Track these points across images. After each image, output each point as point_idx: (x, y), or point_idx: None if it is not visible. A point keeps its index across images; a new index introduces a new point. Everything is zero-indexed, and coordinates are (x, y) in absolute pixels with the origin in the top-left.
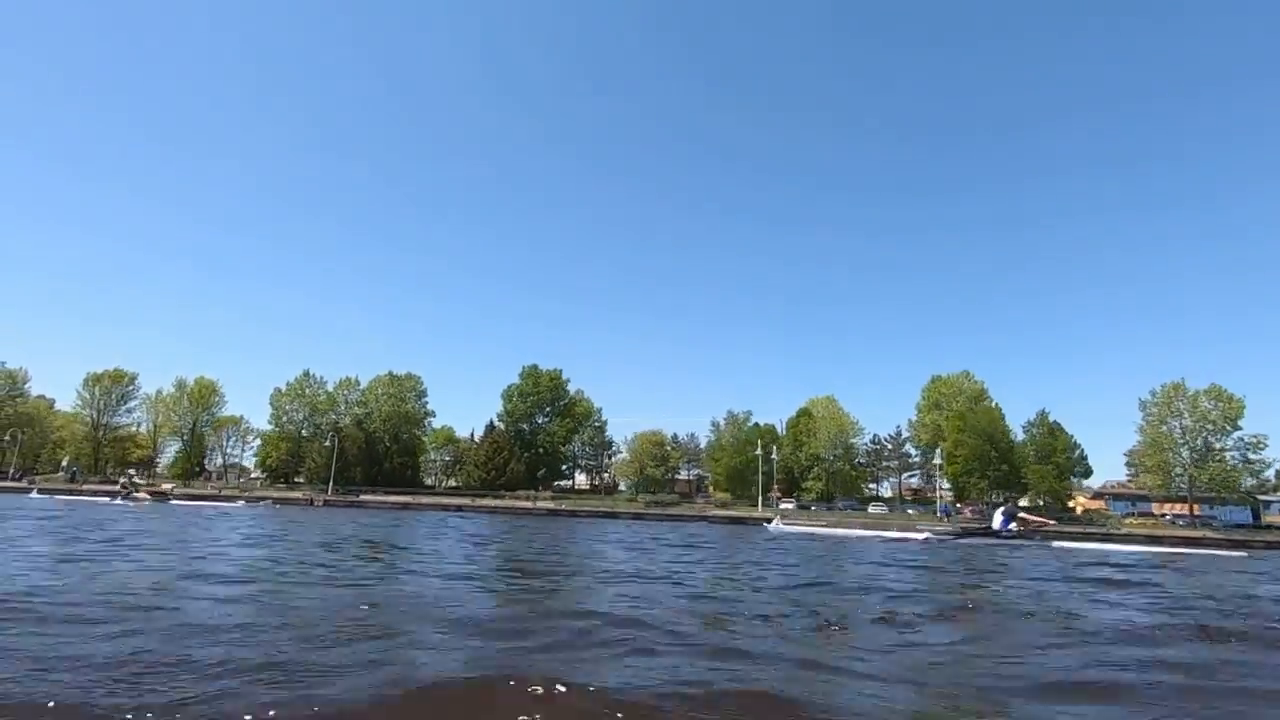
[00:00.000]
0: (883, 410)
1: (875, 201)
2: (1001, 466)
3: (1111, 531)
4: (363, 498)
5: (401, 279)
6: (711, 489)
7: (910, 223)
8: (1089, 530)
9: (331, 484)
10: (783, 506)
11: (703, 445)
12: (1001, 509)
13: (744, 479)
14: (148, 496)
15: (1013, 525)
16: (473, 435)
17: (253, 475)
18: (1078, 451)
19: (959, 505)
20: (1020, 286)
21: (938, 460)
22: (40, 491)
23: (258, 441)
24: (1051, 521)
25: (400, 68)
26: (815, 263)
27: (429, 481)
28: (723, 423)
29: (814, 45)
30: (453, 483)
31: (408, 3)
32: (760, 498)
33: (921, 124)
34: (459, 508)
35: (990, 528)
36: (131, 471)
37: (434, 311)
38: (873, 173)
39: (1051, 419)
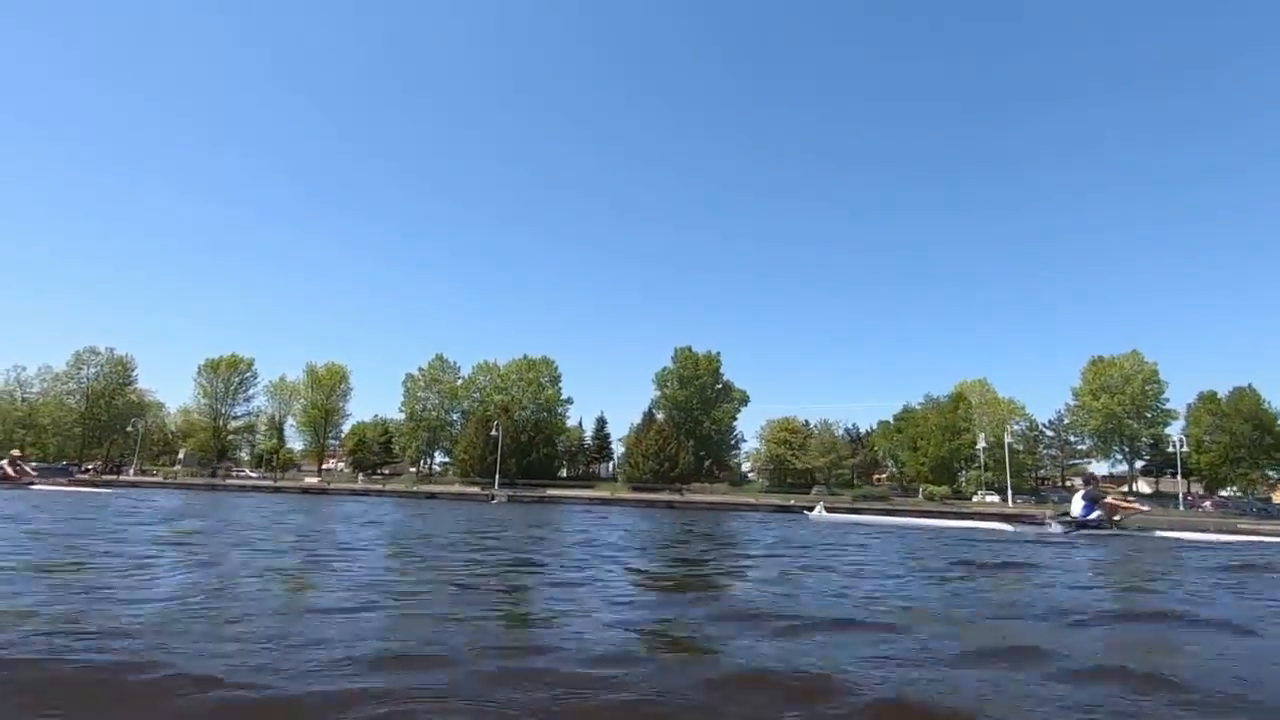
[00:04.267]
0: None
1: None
2: (1276, 454)
3: None
4: (550, 493)
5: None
6: (921, 481)
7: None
8: None
9: (497, 478)
10: (988, 499)
11: (842, 434)
12: (1081, 493)
13: (949, 469)
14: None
15: (1097, 513)
16: (580, 424)
17: (328, 466)
18: None
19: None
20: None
21: (1183, 448)
22: None
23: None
24: (1144, 507)
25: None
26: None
27: None
28: (918, 405)
29: (933, 32)
30: (563, 473)
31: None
32: (1009, 489)
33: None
34: (669, 504)
35: (1073, 517)
36: (15, 452)
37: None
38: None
39: None
